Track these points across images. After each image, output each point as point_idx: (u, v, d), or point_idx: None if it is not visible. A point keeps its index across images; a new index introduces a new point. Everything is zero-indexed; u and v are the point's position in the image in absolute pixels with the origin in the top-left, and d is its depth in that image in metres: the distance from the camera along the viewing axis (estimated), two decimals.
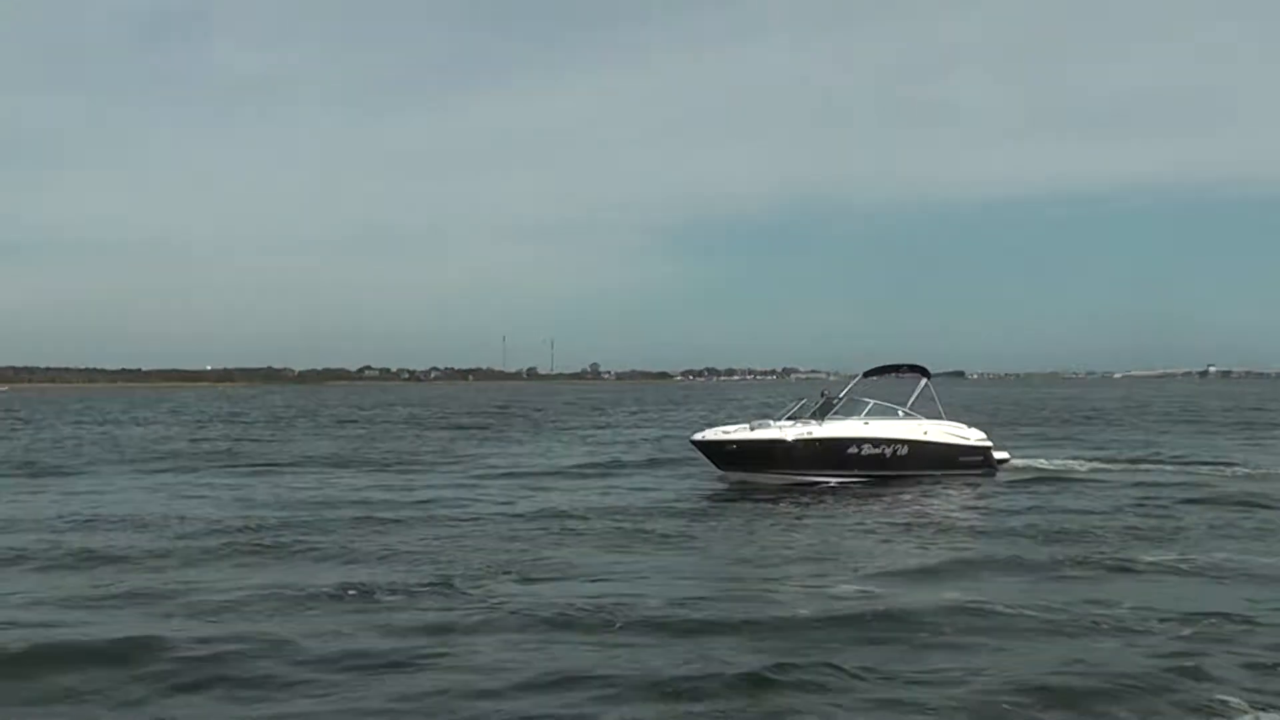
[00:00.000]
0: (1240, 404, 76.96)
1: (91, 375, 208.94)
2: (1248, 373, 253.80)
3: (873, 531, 17.97)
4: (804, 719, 8.50)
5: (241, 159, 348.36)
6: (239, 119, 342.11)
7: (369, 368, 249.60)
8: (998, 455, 26.65)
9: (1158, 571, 13.91)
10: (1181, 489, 22.66)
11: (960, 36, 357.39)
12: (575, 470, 28.99)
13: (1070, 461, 28.95)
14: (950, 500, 22.15)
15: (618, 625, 11.09)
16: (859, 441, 24.71)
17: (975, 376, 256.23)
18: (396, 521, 18.51)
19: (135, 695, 9.10)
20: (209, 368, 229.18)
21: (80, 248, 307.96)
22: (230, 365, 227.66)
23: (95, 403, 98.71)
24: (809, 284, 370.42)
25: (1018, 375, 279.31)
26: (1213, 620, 11.08)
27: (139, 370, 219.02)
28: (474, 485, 25.08)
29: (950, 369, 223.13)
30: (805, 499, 22.04)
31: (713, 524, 18.94)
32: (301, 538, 16.76)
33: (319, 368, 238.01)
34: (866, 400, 25.90)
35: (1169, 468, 27.91)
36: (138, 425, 56.95)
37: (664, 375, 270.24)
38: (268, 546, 16.08)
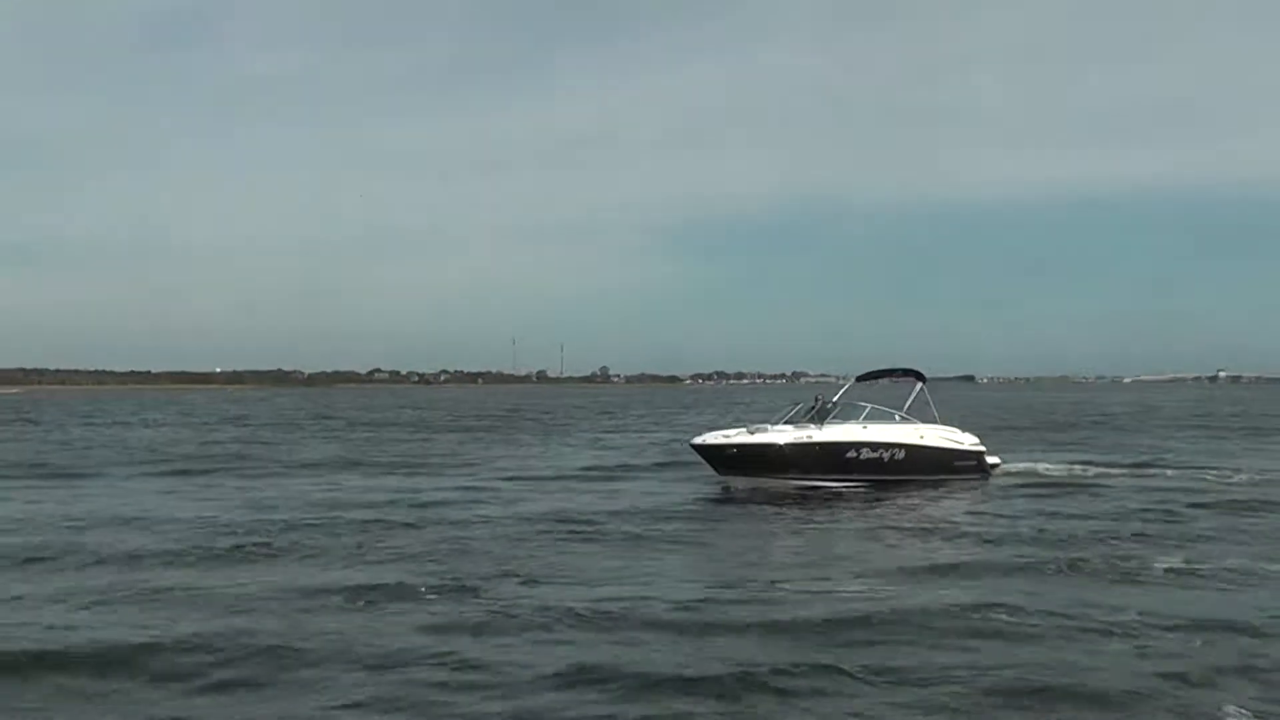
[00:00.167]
0: (1250, 409, 76.75)
1: (101, 377, 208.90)
2: (1258, 378, 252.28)
3: (877, 535, 18.02)
4: None
5: (244, 160, 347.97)
6: (240, 119, 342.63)
7: (379, 370, 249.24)
8: (990, 460, 26.63)
9: (1164, 578, 13.87)
10: (1186, 494, 22.61)
11: (964, 39, 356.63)
12: (583, 473, 29.05)
13: (1073, 466, 28.90)
14: (952, 505, 22.16)
15: (625, 627, 11.16)
16: (857, 446, 24.68)
17: (985, 381, 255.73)
18: (406, 524, 18.59)
19: (145, 697, 9.18)
20: (218, 370, 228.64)
21: (89, 249, 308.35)
22: (240, 367, 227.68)
23: (105, 405, 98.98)
24: (816, 286, 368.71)
25: (1028, 379, 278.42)
26: (1221, 628, 11.04)
27: (148, 372, 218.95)
28: (483, 488, 25.15)
29: (960, 373, 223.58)
30: (810, 503, 22.09)
31: (719, 527, 19.00)
32: (310, 540, 16.86)
33: (329, 370, 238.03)
34: (864, 404, 25.77)
35: (1169, 472, 27.83)
36: (147, 427, 57.16)
37: (674, 379, 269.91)
38: (277, 549, 16.17)
